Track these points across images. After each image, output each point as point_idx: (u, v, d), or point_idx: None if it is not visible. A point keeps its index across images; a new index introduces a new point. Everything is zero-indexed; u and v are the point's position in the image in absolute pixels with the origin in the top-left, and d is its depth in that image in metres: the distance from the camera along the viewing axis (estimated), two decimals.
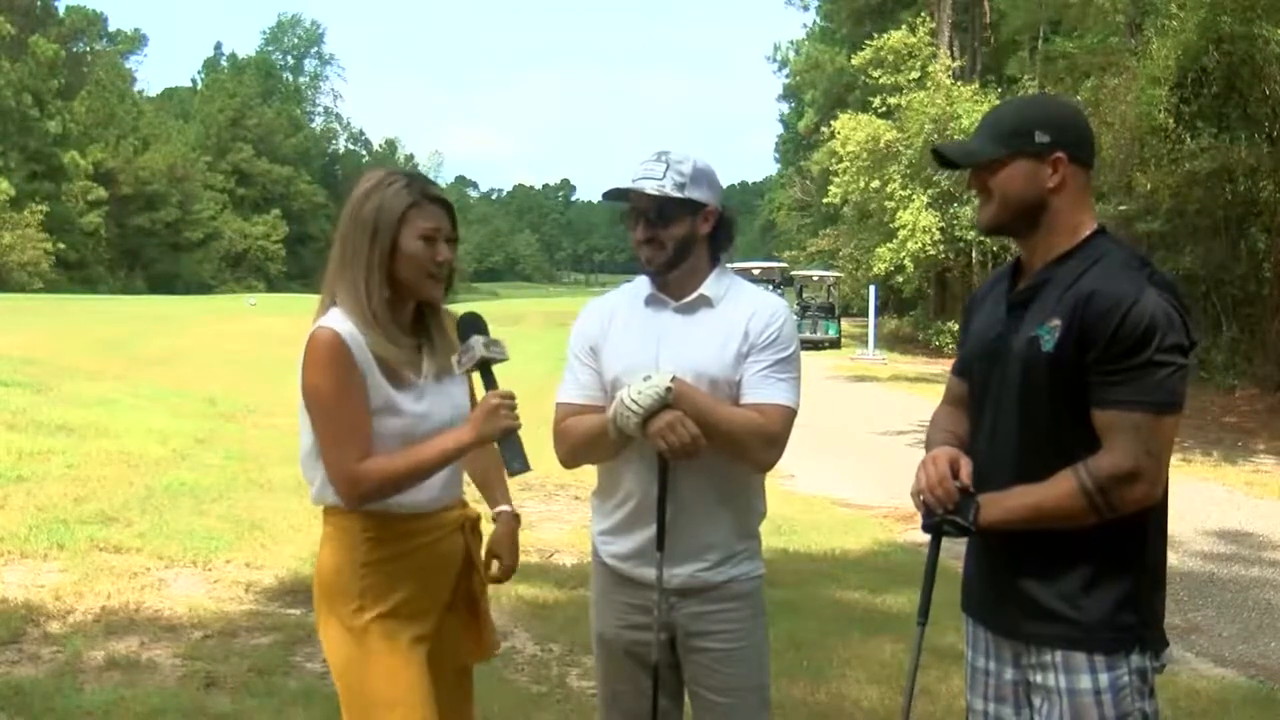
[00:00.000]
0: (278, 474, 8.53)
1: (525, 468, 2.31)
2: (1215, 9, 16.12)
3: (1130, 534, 2.05)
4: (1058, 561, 2.07)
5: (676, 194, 2.50)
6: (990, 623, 2.20)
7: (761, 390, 2.51)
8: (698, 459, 2.41)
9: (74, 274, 62.12)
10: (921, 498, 2.16)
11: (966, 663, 2.27)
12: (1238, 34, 16.07)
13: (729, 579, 2.57)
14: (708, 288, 2.58)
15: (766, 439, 2.48)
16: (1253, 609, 6.56)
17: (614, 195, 2.58)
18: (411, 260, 2.31)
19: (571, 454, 2.60)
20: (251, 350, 20.91)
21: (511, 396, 2.30)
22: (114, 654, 4.50)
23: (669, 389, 2.39)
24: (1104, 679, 2.04)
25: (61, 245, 58.84)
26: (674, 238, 2.53)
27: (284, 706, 4.06)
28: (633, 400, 2.39)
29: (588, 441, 2.52)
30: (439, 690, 2.36)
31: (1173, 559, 7.62)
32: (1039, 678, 2.10)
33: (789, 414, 2.52)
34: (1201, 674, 5.21)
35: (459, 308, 2.56)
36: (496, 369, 2.41)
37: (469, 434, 2.29)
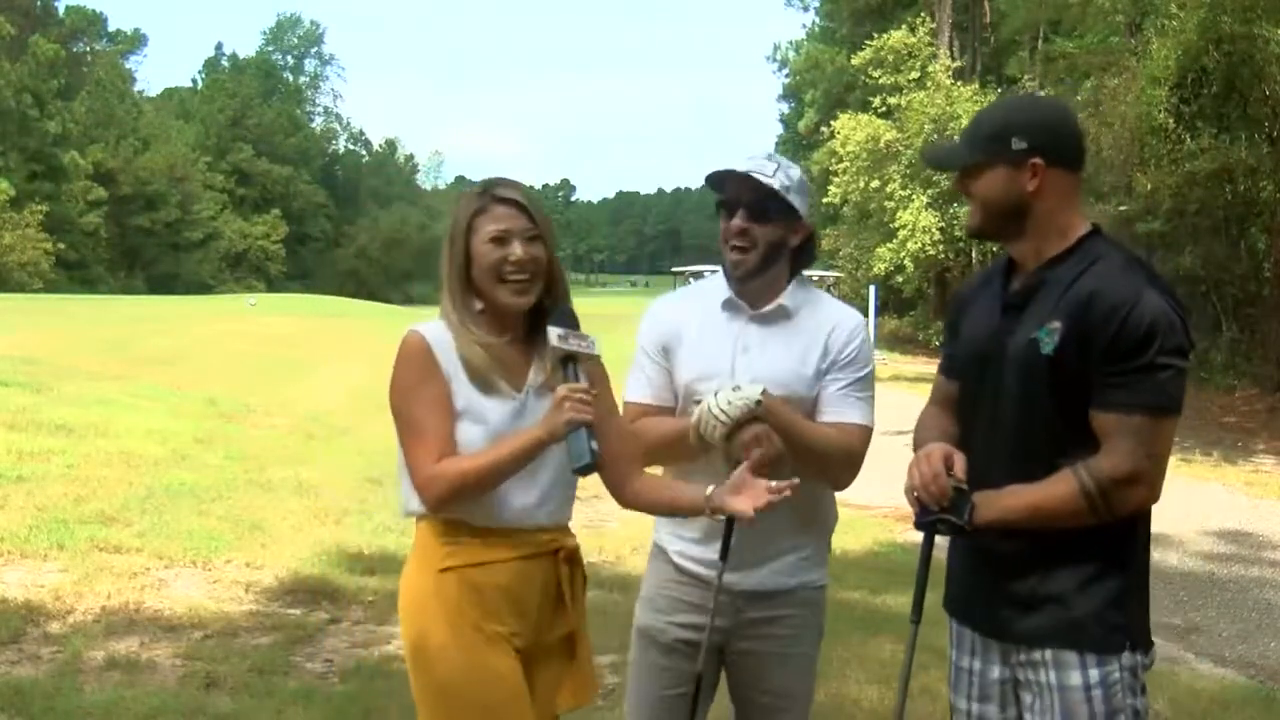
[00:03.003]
0: (278, 474, 8.52)
1: (589, 466, 2.13)
2: (1215, 9, 16.12)
3: (1122, 534, 2.06)
4: (1050, 561, 2.06)
5: (777, 185, 2.47)
6: (977, 624, 2.20)
7: (841, 409, 2.49)
8: (778, 474, 2.34)
9: (74, 274, 62.12)
10: (915, 495, 2.14)
11: (950, 662, 2.27)
12: (1238, 34, 16.08)
13: (799, 584, 2.56)
14: (787, 298, 2.54)
15: (847, 458, 2.49)
16: (1253, 609, 6.56)
17: (719, 177, 2.51)
18: (481, 265, 2.24)
19: (646, 455, 2.53)
20: (251, 350, 20.89)
21: (586, 390, 2.18)
22: (114, 654, 4.50)
23: (759, 402, 2.34)
24: (1094, 675, 2.04)
25: (61, 245, 58.87)
26: (766, 238, 2.48)
27: (284, 706, 4.07)
28: (721, 410, 2.35)
29: (665, 445, 2.49)
30: None
31: (1173, 559, 7.63)
32: (1029, 675, 2.10)
33: (868, 434, 2.51)
34: (1201, 674, 5.21)
35: None
36: None
37: (539, 429, 2.17)
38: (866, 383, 2.53)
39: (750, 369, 2.47)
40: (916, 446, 2.24)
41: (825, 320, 2.54)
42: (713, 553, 2.50)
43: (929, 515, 2.12)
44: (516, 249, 2.23)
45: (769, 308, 2.53)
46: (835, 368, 2.50)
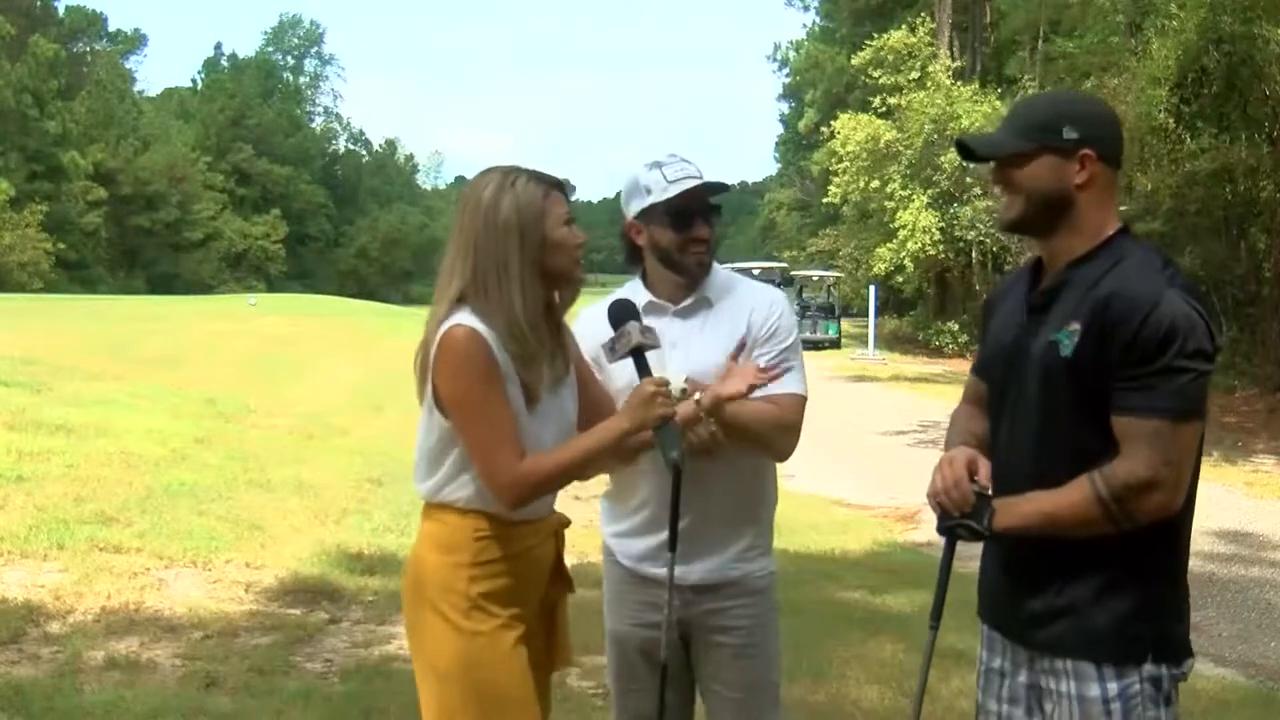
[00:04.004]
0: (278, 474, 8.53)
1: (682, 456, 2.24)
2: (1215, 9, 16.12)
3: (1149, 541, 2.01)
4: (1072, 569, 2.03)
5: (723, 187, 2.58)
6: (1004, 628, 2.18)
7: (771, 381, 2.54)
8: (716, 456, 2.44)
9: (74, 274, 62.05)
10: (937, 500, 2.12)
11: (981, 663, 2.26)
12: (1238, 34, 16.08)
13: (745, 574, 2.61)
14: (706, 289, 2.61)
15: (784, 429, 2.54)
16: (1253, 609, 6.56)
17: (683, 200, 2.54)
18: (561, 249, 2.26)
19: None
20: (251, 350, 20.89)
21: (667, 383, 2.26)
22: (114, 654, 4.51)
23: (684, 390, 2.41)
24: (1113, 688, 2.01)
25: (61, 245, 58.77)
26: (713, 235, 2.59)
27: (284, 706, 4.07)
28: None
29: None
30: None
31: None
32: (1050, 683, 2.08)
33: (801, 402, 2.57)
34: (1201, 674, 5.21)
35: None
36: None
37: (625, 422, 2.23)
38: (792, 352, 2.60)
39: (683, 364, 2.52)
40: (947, 447, 2.24)
41: (744, 303, 2.61)
42: (647, 544, 2.59)
43: (950, 520, 2.11)
44: (580, 231, 2.30)
45: (690, 301, 2.61)
46: (759, 344, 2.57)
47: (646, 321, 2.57)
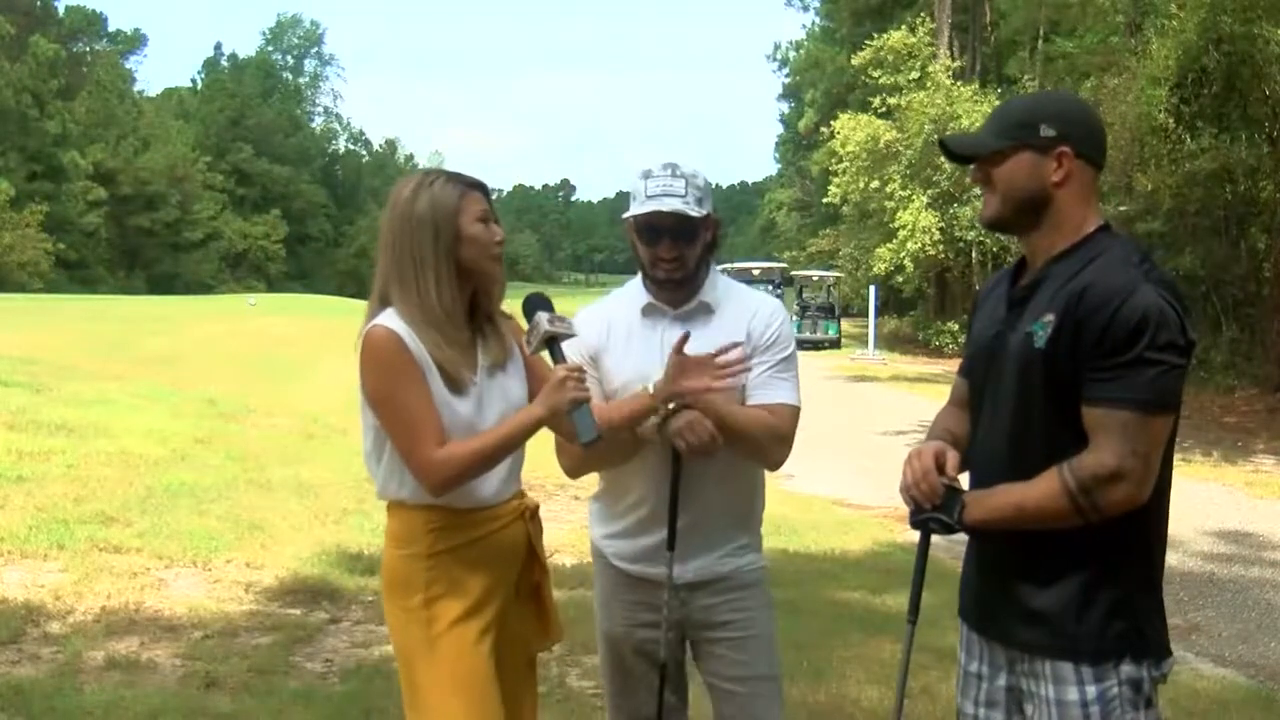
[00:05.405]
0: (278, 474, 8.52)
1: (597, 437, 2.30)
2: (1215, 9, 16.13)
3: (1125, 540, 2.01)
4: (1049, 568, 2.03)
5: (700, 212, 2.53)
6: (984, 629, 2.18)
7: (768, 391, 2.57)
8: (713, 458, 2.45)
9: (74, 274, 62.06)
10: (909, 494, 2.13)
11: (960, 666, 2.25)
12: (1238, 34, 16.08)
13: (735, 569, 2.64)
14: (706, 294, 2.62)
15: (779, 438, 2.55)
16: (1253, 609, 6.56)
17: (647, 219, 2.53)
18: (475, 243, 2.35)
19: (578, 464, 2.62)
20: (251, 350, 20.89)
21: (580, 369, 2.33)
22: (114, 654, 4.51)
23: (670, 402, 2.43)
24: (1091, 690, 1.99)
25: (61, 245, 58.77)
26: (696, 254, 2.57)
27: (284, 706, 4.07)
28: None
29: (595, 451, 2.52)
30: (505, 679, 2.39)
31: (1173, 559, 7.61)
32: (1030, 685, 2.07)
33: (796, 413, 2.59)
34: (1201, 674, 5.21)
35: None
36: None
37: (540, 408, 2.32)
38: (789, 363, 2.62)
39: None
40: None
41: (744, 309, 2.62)
42: (640, 545, 2.61)
43: (921, 514, 2.12)
44: (496, 229, 2.39)
45: (690, 305, 2.62)
46: (758, 352, 2.58)
47: (645, 323, 2.61)
